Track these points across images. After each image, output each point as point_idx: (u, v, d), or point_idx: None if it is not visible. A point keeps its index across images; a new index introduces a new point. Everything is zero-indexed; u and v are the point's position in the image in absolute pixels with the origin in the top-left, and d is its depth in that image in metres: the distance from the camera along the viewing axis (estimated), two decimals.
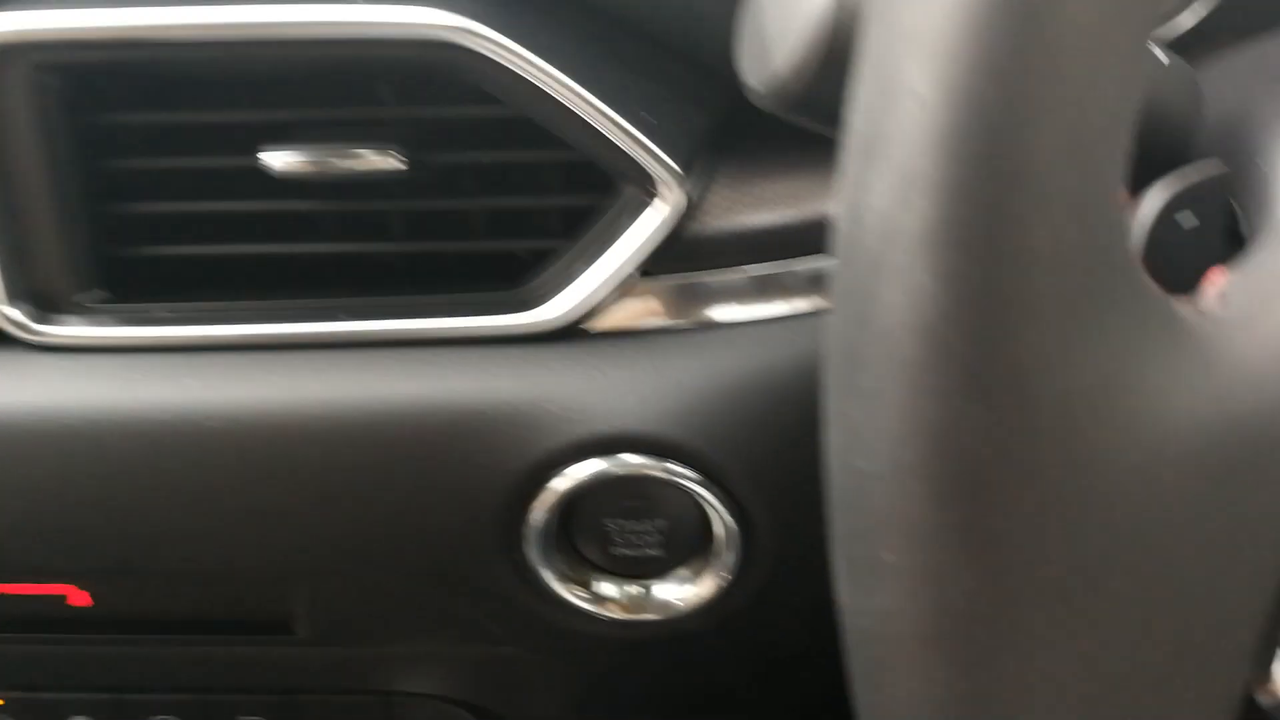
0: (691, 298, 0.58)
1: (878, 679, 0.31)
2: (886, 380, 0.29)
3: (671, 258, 0.57)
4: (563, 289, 0.56)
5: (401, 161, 0.55)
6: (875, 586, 0.30)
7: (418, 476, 0.56)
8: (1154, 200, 0.40)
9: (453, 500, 0.57)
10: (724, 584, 0.59)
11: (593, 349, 0.57)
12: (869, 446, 0.30)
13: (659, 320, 0.58)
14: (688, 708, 0.73)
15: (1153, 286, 0.31)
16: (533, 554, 0.58)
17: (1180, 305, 0.32)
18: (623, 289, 0.56)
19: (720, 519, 0.57)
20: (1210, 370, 0.30)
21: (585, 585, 0.59)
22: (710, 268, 0.58)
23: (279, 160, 0.55)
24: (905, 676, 0.30)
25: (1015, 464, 0.28)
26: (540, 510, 0.57)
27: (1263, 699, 0.31)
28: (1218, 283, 0.35)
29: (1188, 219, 0.40)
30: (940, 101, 0.28)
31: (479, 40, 0.52)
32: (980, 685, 0.29)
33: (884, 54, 0.29)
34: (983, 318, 0.28)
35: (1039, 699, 0.29)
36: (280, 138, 0.56)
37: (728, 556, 0.58)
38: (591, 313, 0.57)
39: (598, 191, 0.57)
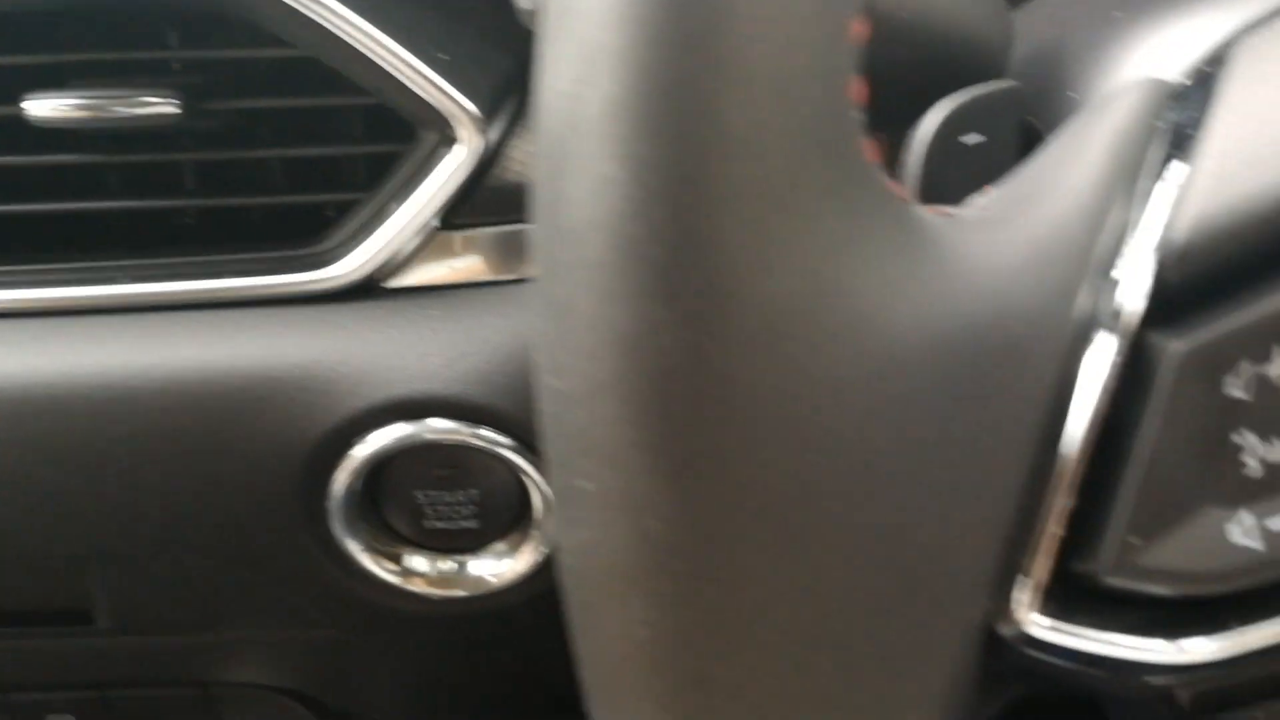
0: (503, 251, 0.54)
1: (585, 622, 0.28)
2: (576, 287, 0.26)
3: (478, 208, 0.53)
4: (359, 243, 0.53)
5: (179, 107, 0.51)
6: (578, 518, 0.27)
7: (208, 448, 0.52)
8: (934, 116, 0.37)
9: (248, 471, 0.53)
10: (543, 557, 0.55)
11: (393, 306, 0.53)
12: (564, 363, 0.27)
13: (468, 275, 0.54)
14: (529, 703, 0.70)
15: (886, 185, 0.28)
16: (337, 526, 0.54)
17: (926, 210, 0.29)
18: (425, 241, 0.53)
19: (538, 487, 0.54)
20: (947, 273, 0.27)
21: (395, 559, 0.56)
22: (523, 219, 0.54)
23: (44, 108, 0.51)
24: (607, 616, 0.27)
25: (715, 376, 0.25)
26: (343, 479, 0.53)
27: (1004, 630, 0.28)
28: (987, 193, 0.32)
29: (974, 138, 0.38)
30: None
31: None
32: (684, 623, 0.26)
33: None
34: (673, 210, 0.25)
35: (751, 636, 0.26)
36: (54, 85, 0.52)
37: (547, 527, 0.55)
38: (392, 268, 0.53)
39: (400, 139, 0.53)
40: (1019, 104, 0.39)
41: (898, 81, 0.43)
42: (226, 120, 0.53)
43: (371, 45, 0.50)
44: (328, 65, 0.51)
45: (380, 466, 0.54)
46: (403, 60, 0.50)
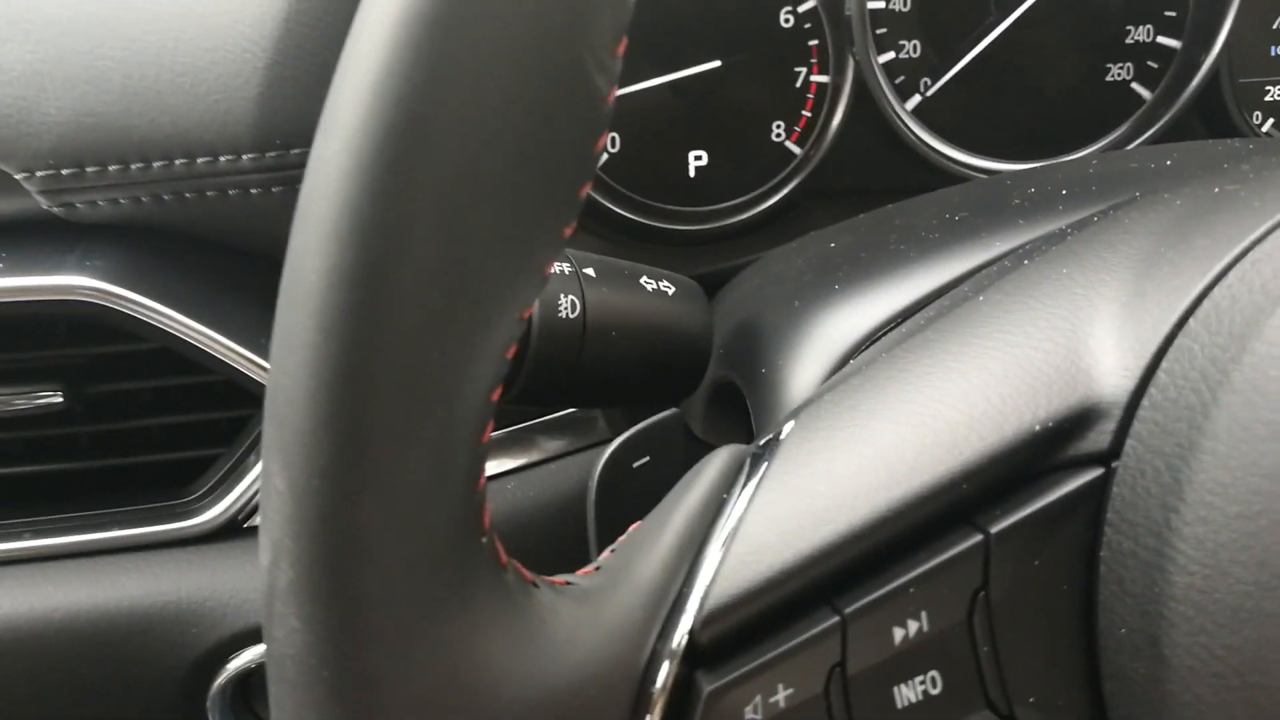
0: None
1: None
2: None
3: None
4: (223, 493, 0.64)
5: (64, 396, 0.62)
6: None
7: (99, 675, 0.63)
8: (608, 450, 0.48)
9: (135, 693, 0.64)
10: None
11: (251, 545, 0.64)
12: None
13: None
14: None
15: (506, 575, 0.38)
16: None
17: (547, 582, 0.40)
18: None
19: None
20: (542, 650, 0.36)
21: None
22: None
23: None
24: None
25: None
26: (218, 690, 0.64)
27: None
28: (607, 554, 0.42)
29: (641, 460, 0.49)
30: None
31: (111, 297, 0.60)
32: None
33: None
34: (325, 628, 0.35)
35: None
36: None
37: None
38: (250, 511, 0.64)
39: (252, 403, 0.65)
40: (679, 427, 0.51)
41: (622, 376, 0.55)
42: (97, 400, 0.65)
43: (208, 341, 0.61)
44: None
45: (250, 674, 0.65)
46: (234, 350, 0.61)
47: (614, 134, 0.83)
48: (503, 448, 0.70)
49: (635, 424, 0.52)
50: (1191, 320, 0.34)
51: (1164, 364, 0.34)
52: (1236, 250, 0.34)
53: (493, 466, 0.69)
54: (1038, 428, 0.36)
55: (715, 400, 0.60)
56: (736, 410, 0.55)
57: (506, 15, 0.29)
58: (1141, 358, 0.35)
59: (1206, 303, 0.34)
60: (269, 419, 0.31)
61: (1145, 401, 0.34)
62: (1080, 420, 0.35)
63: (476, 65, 0.29)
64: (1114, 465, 0.35)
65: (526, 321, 0.34)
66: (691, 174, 0.85)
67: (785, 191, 0.85)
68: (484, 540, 0.36)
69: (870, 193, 0.82)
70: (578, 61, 0.31)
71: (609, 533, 0.43)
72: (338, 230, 0.29)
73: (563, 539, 0.68)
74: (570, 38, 0.31)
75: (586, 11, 0.31)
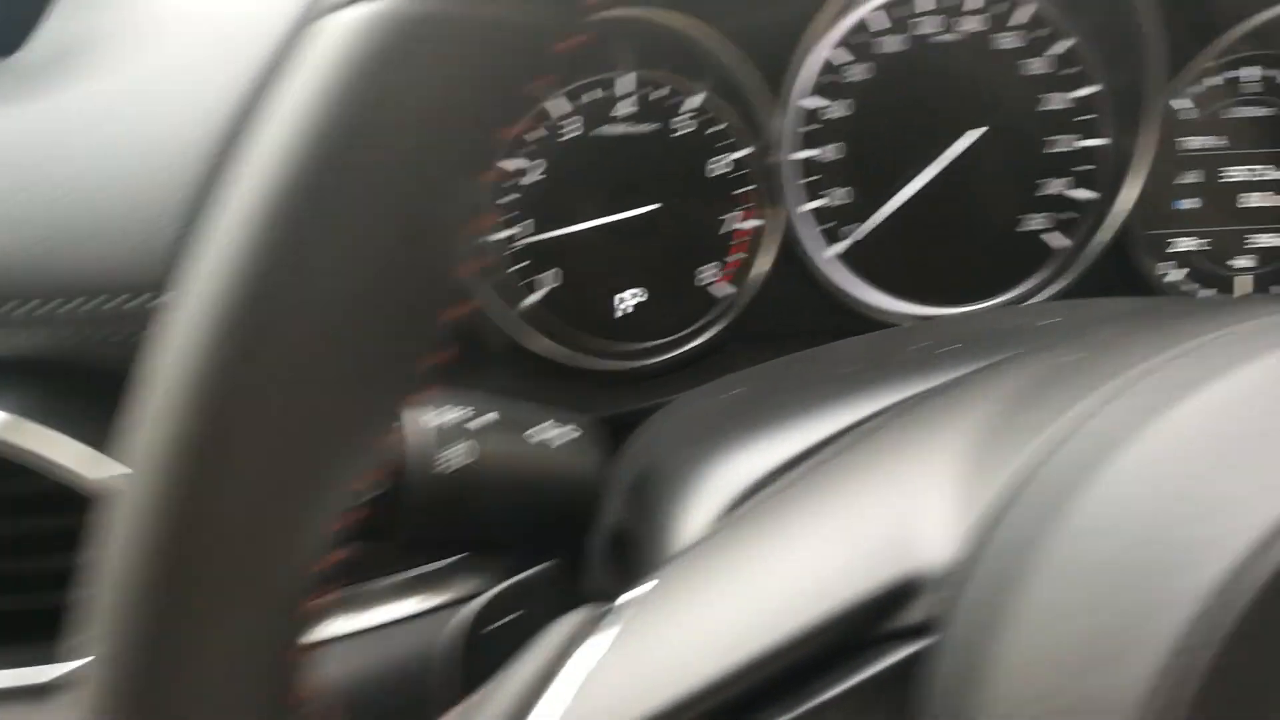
0: None
1: None
2: None
3: None
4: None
5: None
6: None
7: None
8: (470, 608, 0.47)
9: None
10: None
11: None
12: None
13: None
14: None
15: None
16: None
17: None
18: None
19: None
20: None
21: None
22: None
23: None
24: None
25: None
26: None
27: None
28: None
29: (511, 616, 0.48)
30: None
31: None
32: None
33: None
34: None
35: None
36: None
37: None
38: None
39: None
40: (553, 579, 0.50)
41: (503, 527, 0.55)
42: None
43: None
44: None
45: None
46: None
47: (556, 268, 0.84)
48: (392, 595, 0.69)
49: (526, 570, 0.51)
50: (1011, 494, 0.34)
51: (981, 538, 0.34)
52: (1059, 426, 0.35)
53: (380, 615, 0.68)
54: (862, 600, 0.35)
55: (617, 547, 0.60)
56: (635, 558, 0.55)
57: (355, 221, 0.30)
58: (962, 531, 0.35)
59: (1027, 476, 0.34)
60: (99, 582, 0.32)
61: (961, 576, 0.34)
62: (902, 593, 0.35)
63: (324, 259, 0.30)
64: (932, 638, 0.34)
65: (358, 494, 0.34)
66: (621, 313, 0.85)
67: (712, 333, 0.86)
68: (300, 709, 0.35)
69: (796, 336, 0.83)
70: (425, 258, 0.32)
71: (475, 689, 0.42)
72: (170, 406, 0.30)
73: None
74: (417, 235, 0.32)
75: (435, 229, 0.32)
